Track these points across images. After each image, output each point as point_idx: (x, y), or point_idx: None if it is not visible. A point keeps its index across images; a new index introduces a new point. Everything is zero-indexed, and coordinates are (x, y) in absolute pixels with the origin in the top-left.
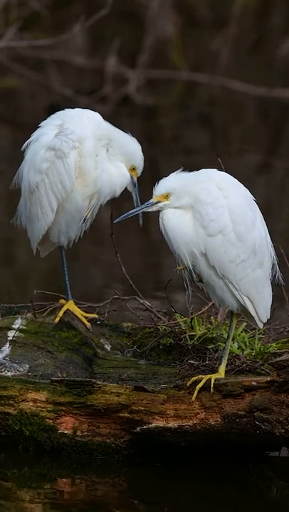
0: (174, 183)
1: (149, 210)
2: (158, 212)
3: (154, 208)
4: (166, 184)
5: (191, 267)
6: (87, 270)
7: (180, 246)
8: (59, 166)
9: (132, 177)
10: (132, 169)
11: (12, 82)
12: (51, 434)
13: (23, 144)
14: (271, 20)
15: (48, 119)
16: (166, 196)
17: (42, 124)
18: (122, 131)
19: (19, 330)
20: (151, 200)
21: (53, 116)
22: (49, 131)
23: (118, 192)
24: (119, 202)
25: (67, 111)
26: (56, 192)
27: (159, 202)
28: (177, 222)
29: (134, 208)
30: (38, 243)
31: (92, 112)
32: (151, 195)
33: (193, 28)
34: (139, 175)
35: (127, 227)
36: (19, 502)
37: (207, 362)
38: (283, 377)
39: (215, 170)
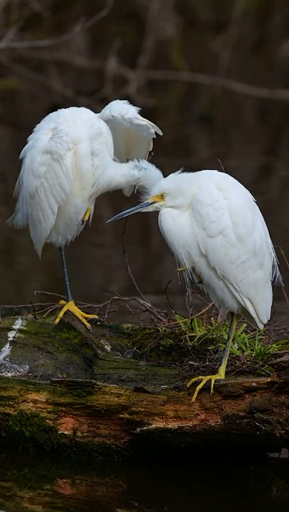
0: (168, 183)
1: (144, 211)
2: (156, 212)
3: (150, 209)
4: (160, 184)
5: (190, 268)
6: (87, 271)
7: (177, 247)
8: (56, 168)
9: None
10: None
11: (13, 83)
12: (51, 434)
13: (23, 145)
14: (272, 21)
15: (42, 123)
16: (162, 196)
17: (36, 128)
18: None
19: (19, 331)
20: (147, 201)
21: (46, 118)
22: (43, 135)
23: (119, 187)
24: (119, 201)
25: (61, 112)
26: (56, 195)
27: (154, 202)
28: (174, 224)
29: (133, 206)
30: (42, 246)
31: (87, 110)
32: None
33: (193, 29)
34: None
35: (127, 228)
36: (19, 502)
37: (207, 363)
38: (283, 378)
39: (215, 171)
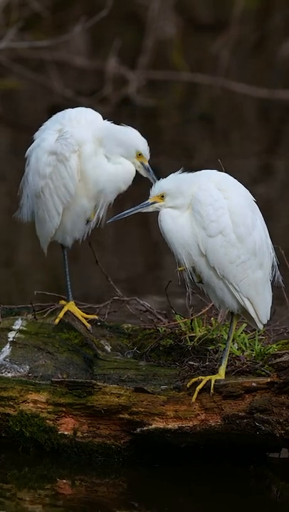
0: (168, 183)
1: (144, 211)
2: (157, 212)
3: (150, 209)
4: (161, 185)
5: (190, 268)
6: (87, 271)
7: (177, 247)
8: (62, 170)
9: (142, 163)
10: (139, 155)
11: (13, 83)
12: (51, 435)
13: (23, 145)
14: (272, 21)
15: (48, 123)
16: (162, 197)
17: (42, 127)
18: (114, 125)
19: (19, 331)
20: (147, 201)
21: (52, 119)
22: (49, 136)
23: (123, 188)
24: (120, 202)
25: (67, 112)
26: (61, 196)
27: (154, 202)
28: (173, 224)
29: (133, 206)
30: (48, 244)
31: (91, 111)
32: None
33: (193, 29)
34: (148, 158)
35: (127, 228)
36: (19, 502)
37: (207, 363)
38: (283, 378)
39: (214, 171)
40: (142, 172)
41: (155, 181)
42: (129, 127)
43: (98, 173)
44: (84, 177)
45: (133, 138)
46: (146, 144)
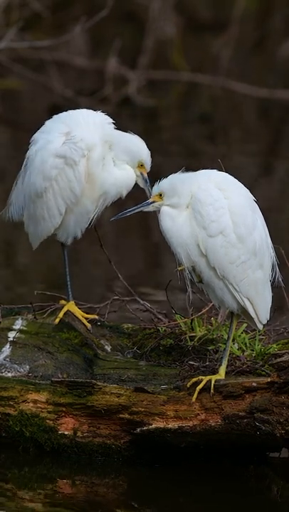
0: (166, 183)
1: (145, 210)
2: (156, 212)
3: (151, 208)
4: (160, 184)
5: (190, 268)
6: (87, 271)
7: (176, 246)
8: (69, 173)
9: (141, 173)
10: (140, 166)
11: (13, 83)
12: (51, 435)
13: (23, 145)
14: (272, 21)
15: (53, 124)
16: (160, 196)
17: (46, 128)
18: (122, 132)
19: (20, 331)
20: (148, 200)
21: (56, 119)
22: (56, 138)
23: (124, 193)
24: (121, 201)
25: (72, 114)
26: (65, 197)
27: (154, 202)
28: (173, 223)
29: (132, 207)
30: (40, 242)
31: (97, 113)
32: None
33: (193, 29)
34: (148, 170)
35: (127, 227)
36: (19, 502)
37: (207, 363)
38: (284, 378)
39: (214, 170)
40: (140, 182)
41: (150, 193)
42: (136, 136)
43: (105, 177)
44: (91, 180)
45: (139, 147)
46: (150, 156)
